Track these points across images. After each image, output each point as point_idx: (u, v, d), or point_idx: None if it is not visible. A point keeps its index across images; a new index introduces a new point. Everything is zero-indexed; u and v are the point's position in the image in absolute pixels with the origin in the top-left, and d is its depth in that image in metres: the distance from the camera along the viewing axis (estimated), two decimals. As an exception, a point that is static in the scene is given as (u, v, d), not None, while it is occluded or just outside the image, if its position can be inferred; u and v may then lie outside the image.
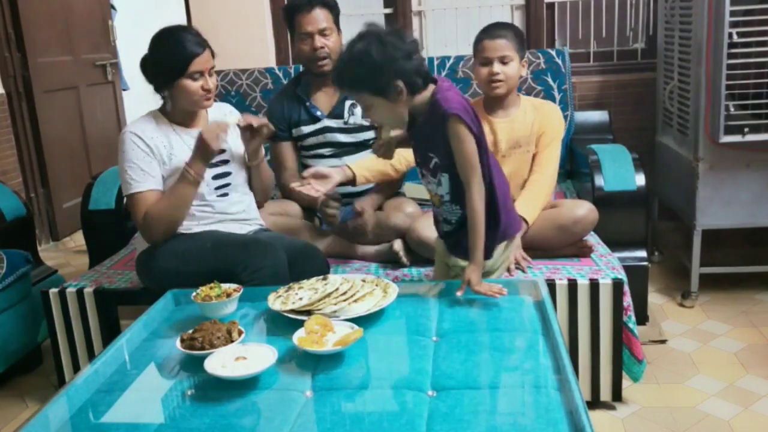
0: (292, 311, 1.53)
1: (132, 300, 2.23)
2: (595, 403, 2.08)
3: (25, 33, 3.91)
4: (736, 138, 2.54)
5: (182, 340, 1.41)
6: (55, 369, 2.31)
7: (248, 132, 2.10)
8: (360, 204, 2.30)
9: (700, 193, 2.68)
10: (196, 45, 1.99)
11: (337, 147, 2.51)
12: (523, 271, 2.11)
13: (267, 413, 1.23)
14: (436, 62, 3.07)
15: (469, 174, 1.63)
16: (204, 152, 1.98)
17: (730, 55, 2.48)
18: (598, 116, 3.22)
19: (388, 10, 3.71)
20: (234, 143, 2.17)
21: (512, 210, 1.82)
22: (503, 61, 2.14)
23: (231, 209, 2.14)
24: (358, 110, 2.46)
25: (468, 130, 1.62)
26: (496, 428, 1.13)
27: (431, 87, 1.67)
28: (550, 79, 3.03)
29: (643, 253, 2.42)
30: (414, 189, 2.64)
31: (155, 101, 2.14)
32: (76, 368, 2.25)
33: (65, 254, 3.95)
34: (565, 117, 3.03)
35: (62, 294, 2.24)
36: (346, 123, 2.48)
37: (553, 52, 3.04)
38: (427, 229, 2.08)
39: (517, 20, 3.66)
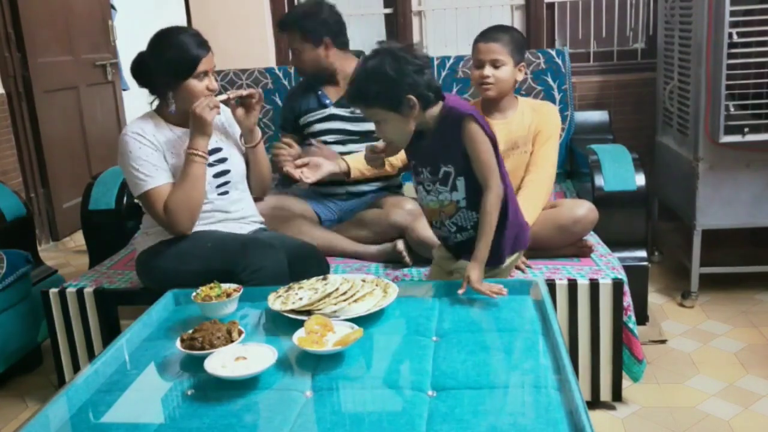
0: (292, 311, 1.53)
1: (132, 300, 2.23)
2: (595, 403, 2.08)
3: (25, 33, 3.91)
4: (736, 138, 2.54)
5: (182, 340, 1.41)
6: (55, 369, 2.31)
7: (241, 108, 2.11)
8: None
9: (700, 193, 2.68)
10: (200, 46, 2.00)
11: (342, 134, 2.55)
12: (523, 272, 2.12)
13: (267, 413, 1.23)
14: (436, 62, 3.07)
15: (488, 174, 1.66)
16: (200, 126, 1.98)
17: (730, 55, 2.48)
18: (598, 116, 3.22)
19: (388, 10, 3.71)
20: (229, 140, 2.18)
21: (523, 218, 1.83)
22: (495, 64, 2.16)
23: (231, 207, 2.15)
24: None
25: (483, 131, 1.66)
26: (496, 428, 1.12)
27: (440, 102, 1.70)
28: (550, 79, 3.03)
29: (643, 253, 2.42)
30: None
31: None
32: (76, 368, 2.25)
33: (65, 254, 3.95)
34: (565, 117, 3.03)
35: (62, 294, 2.24)
36: (352, 112, 2.52)
37: (553, 52, 3.04)
38: (427, 229, 2.08)
39: (517, 20, 3.66)
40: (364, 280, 1.62)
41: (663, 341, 2.50)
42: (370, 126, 2.51)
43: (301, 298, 1.54)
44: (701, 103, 2.61)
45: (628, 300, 2.06)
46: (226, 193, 2.14)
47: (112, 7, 4.87)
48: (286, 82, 3.15)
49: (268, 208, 2.34)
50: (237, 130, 2.21)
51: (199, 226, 2.08)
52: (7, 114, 3.88)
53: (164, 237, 2.06)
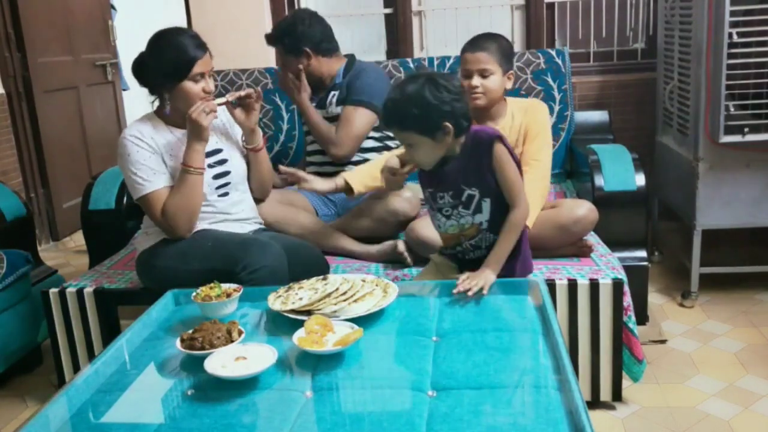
0: (292, 311, 1.53)
1: (132, 300, 2.23)
2: (595, 403, 2.08)
3: (25, 33, 3.91)
4: (736, 138, 2.54)
5: (182, 340, 1.41)
6: (55, 369, 2.31)
7: (240, 108, 2.11)
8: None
9: (700, 193, 2.68)
10: (197, 47, 2.00)
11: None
12: None
13: (267, 413, 1.23)
14: (436, 62, 3.07)
15: (517, 193, 1.72)
16: (197, 131, 1.97)
17: (730, 55, 2.48)
18: (598, 116, 3.21)
19: (388, 10, 3.71)
20: (230, 140, 2.17)
21: (528, 249, 1.86)
22: (483, 74, 2.15)
23: (231, 209, 2.15)
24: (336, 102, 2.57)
25: (509, 152, 1.70)
26: (496, 428, 1.12)
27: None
28: (550, 79, 3.03)
29: (643, 253, 2.42)
30: (416, 188, 2.64)
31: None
32: (76, 368, 2.25)
33: (65, 254, 3.95)
34: (565, 117, 3.03)
35: (62, 294, 2.24)
36: (327, 113, 2.57)
37: (553, 52, 3.04)
38: (426, 228, 2.08)
39: (517, 20, 3.66)
40: (364, 280, 1.62)
41: (663, 341, 2.50)
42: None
43: (301, 298, 1.54)
44: (701, 103, 2.61)
45: (628, 300, 2.06)
46: (226, 194, 2.14)
47: (112, 7, 4.86)
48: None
49: (274, 202, 2.36)
50: (238, 131, 2.20)
51: (199, 225, 2.08)
52: (7, 114, 3.88)
53: (164, 237, 2.06)
